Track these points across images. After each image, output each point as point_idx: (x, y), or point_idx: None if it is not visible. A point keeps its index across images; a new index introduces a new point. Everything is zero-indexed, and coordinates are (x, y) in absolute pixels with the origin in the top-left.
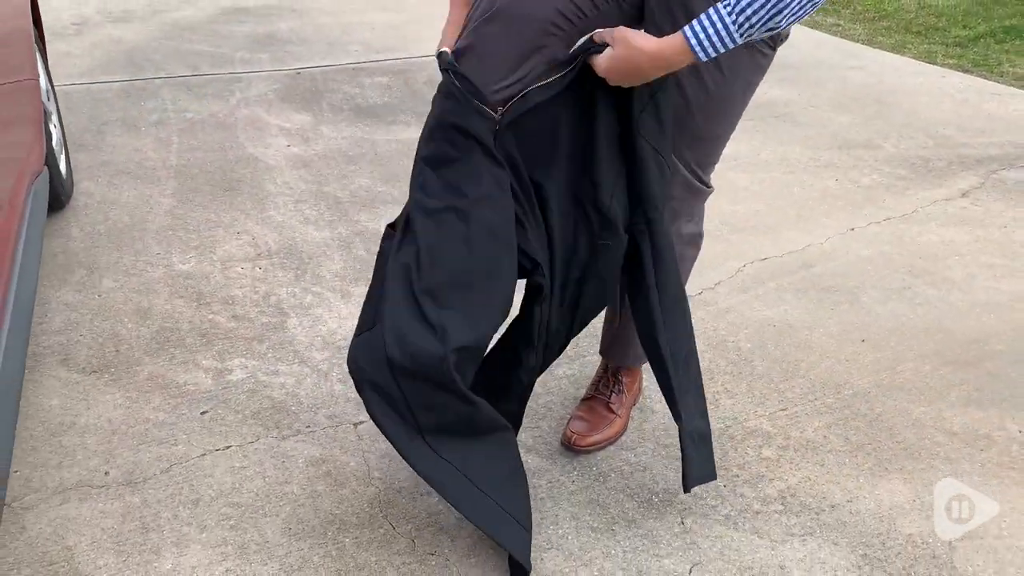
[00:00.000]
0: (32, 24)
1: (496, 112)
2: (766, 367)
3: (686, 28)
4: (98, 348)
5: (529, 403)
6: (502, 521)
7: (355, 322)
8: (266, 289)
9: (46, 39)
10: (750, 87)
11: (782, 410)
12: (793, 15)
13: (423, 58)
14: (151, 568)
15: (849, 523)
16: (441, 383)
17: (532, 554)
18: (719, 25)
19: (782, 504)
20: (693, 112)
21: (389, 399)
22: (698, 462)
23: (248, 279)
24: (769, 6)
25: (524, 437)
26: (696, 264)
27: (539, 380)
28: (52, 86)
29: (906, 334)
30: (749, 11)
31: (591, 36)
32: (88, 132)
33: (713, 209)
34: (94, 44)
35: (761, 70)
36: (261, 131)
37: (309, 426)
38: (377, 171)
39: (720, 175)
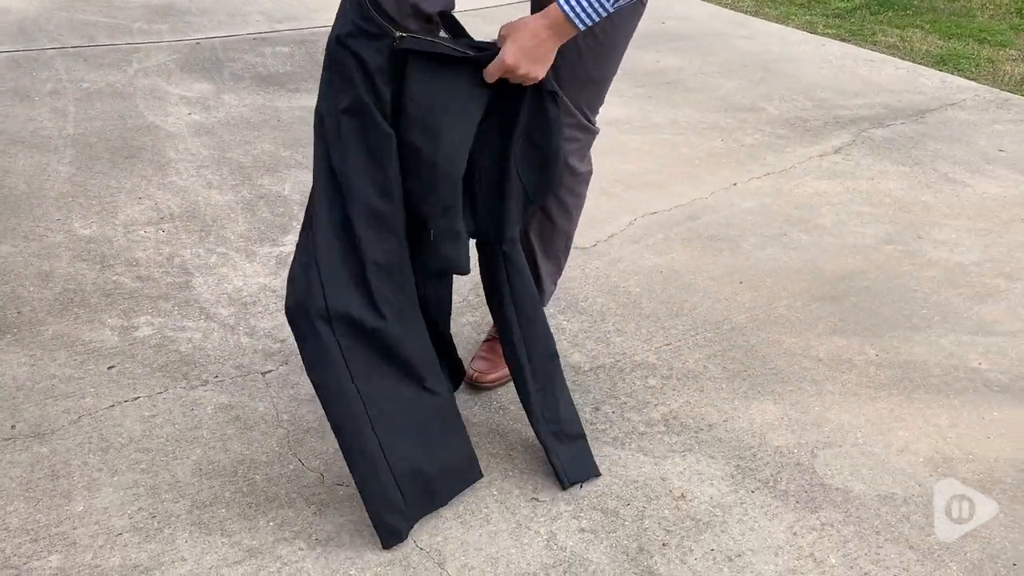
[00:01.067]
0: None
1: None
2: (653, 308)
3: (561, 1)
4: None
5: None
6: (380, 483)
7: (261, 280)
8: (170, 251)
9: None
10: (631, 31)
11: (666, 345)
12: None
13: (325, 27)
14: (62, 511)
15: (724, 439)
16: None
17: None
18: None
19: (664, 426)
20: (584, 58)
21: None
22: (570, 459)
23: (152, 242)
24: None
25: None
26: (591, 218)
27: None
28: None
29: (781, 275)
30: None
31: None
32: None
33: (607, 168)
34: None
35: (639, 15)
36: (161, 100)
37: (217, 376)
38: (280, 137)
39: (613, 137)
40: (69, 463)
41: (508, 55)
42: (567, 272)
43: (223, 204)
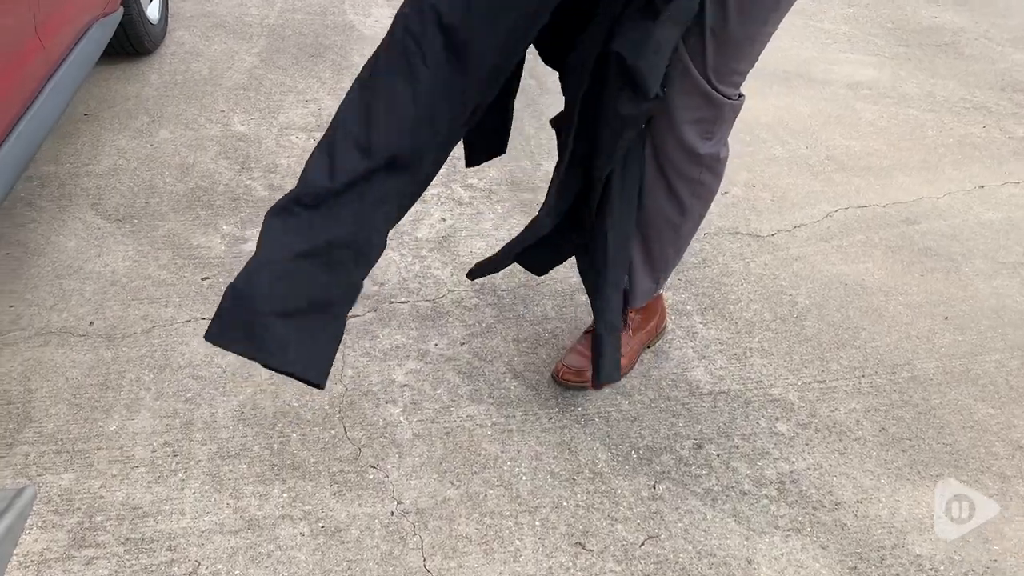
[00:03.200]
0: None
1: None
2: (817, 330)
3: None
4: (131, 197)
5: (535, 327)
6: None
7: None
8: None
9: None
10: None
11: (818, 382)
12: None
13: None
14: (95, 426)
15: (850, 527)
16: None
17: (478, 489)
18: None
19: (777, 490)
20: (727, 6)
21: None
22: (609, 359)
23: (298, 149)
24: None
25: (515, 362)
26: (781, 199)
27: (557, 305)
28: None
29: (1003, 318)
30: None
31: None
32: None
33: (823, 140)
34: None
35: None
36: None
37: None
38: None
39: (846, 103)
40: (123, 375)
41: None
42: (723, 260)
43: None
